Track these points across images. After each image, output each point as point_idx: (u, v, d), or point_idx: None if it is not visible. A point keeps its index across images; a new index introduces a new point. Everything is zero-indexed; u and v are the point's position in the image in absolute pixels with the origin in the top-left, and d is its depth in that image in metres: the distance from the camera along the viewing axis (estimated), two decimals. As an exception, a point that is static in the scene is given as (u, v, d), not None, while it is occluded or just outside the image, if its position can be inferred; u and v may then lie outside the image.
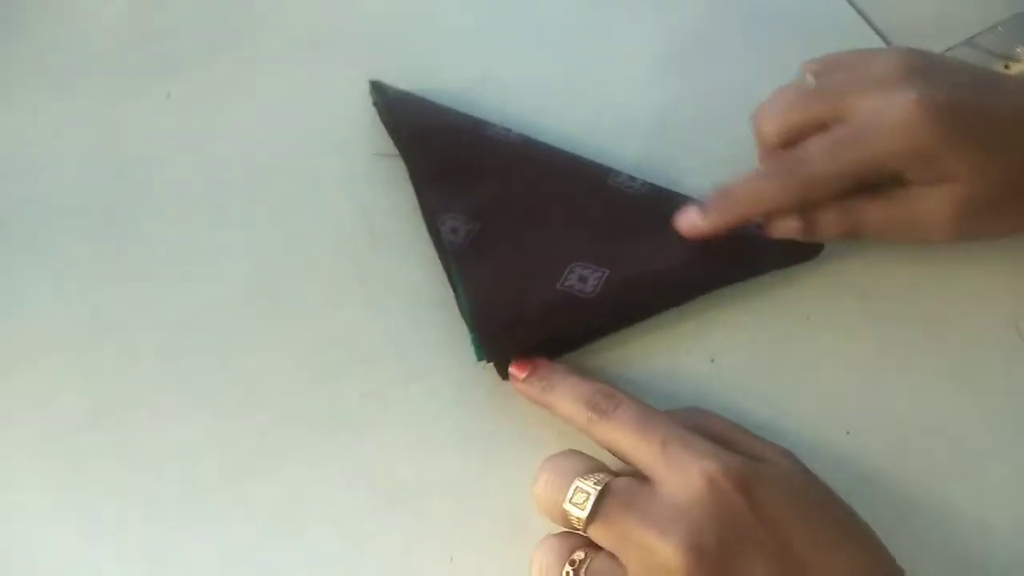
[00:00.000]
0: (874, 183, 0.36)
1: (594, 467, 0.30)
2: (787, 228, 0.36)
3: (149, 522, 0.33)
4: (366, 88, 0.42)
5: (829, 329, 0.38)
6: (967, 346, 0.38)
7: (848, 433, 0.35)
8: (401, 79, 0.42)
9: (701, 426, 0.32)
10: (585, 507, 0.28)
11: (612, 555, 0.28)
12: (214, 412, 0.35)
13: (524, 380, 0.34)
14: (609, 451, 0.31)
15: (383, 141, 0.41)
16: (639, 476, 0.30)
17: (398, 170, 0.40)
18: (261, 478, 0.34)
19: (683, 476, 0.28)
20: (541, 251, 0.37)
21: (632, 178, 0.39)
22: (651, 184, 0.39)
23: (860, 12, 0.48)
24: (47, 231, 0.39)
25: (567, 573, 0.28)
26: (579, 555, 0.29)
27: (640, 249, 0.37)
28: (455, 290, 0.37)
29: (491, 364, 0.35)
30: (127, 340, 0.37)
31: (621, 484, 0.29)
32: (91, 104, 0.42)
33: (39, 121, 0.42)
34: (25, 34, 0.45)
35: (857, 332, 0.38)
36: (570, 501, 0.28)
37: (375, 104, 0.41)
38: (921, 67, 0.35)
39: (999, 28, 0.48)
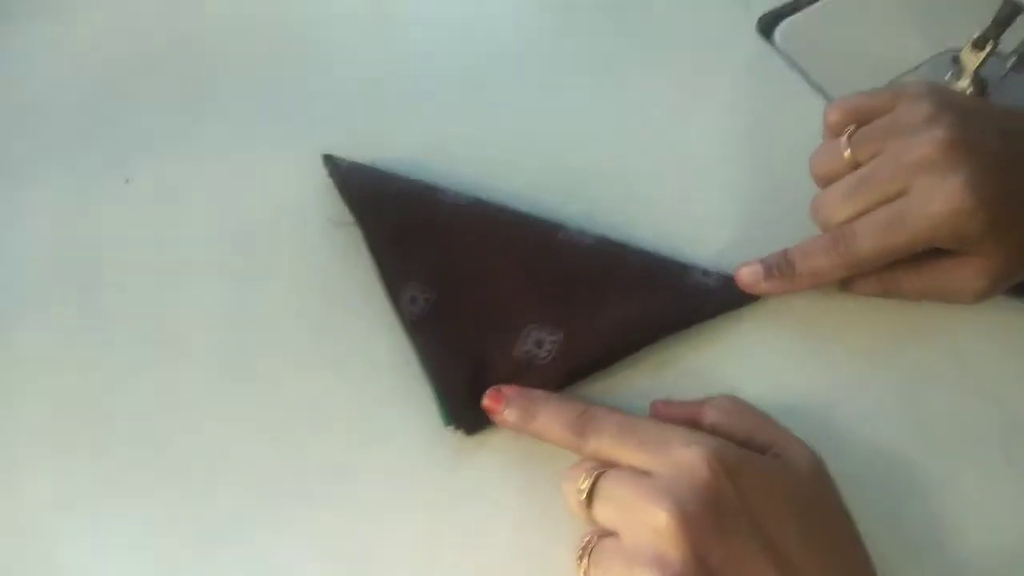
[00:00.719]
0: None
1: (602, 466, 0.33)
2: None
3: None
4: (319, 161, 0.43)
5: (771, 363, 0.39)
6: (910, 373, 0.39)
7: (800, 467, 0.37)
8: (352, 151, 0.43)
9: (719, 425, 0.35)
10: (585, 487, 0.32)
11: (613, 534, 0.31)
12: (182, 487, 0.36)
13: (503, 412, 0.36)
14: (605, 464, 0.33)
15: (339, 210, 0.42)
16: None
17: (354, 239, 0.42)
18: (231, 550, 0.35)
19: (671, 460, 0.30)
20: (496, 316, 0.38)
21: (582, 231, 0.41)
22: (600, 236, 0.41)
23: (789, 59, 0.50)
24: (10, 319, 0.40)
25: (580, 558, 0.32)
26: (587, 539, 0.32)
27: (592, 305, 0.38)
28: (417, 354, 0.38)
29: (456, 428, 0.37)
30: (95, 423, 0.37)
31: (618, 469, 0.32)
32: (50, 192, 0.43)
33: (-1, 213, 0.43)
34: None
35: (799, 365, 0.39)
36: (577, 487, 0.32)
37: (329, 176, 0.43)
38: (964, 140, 0.35)
39: (922, 68, 0.50)
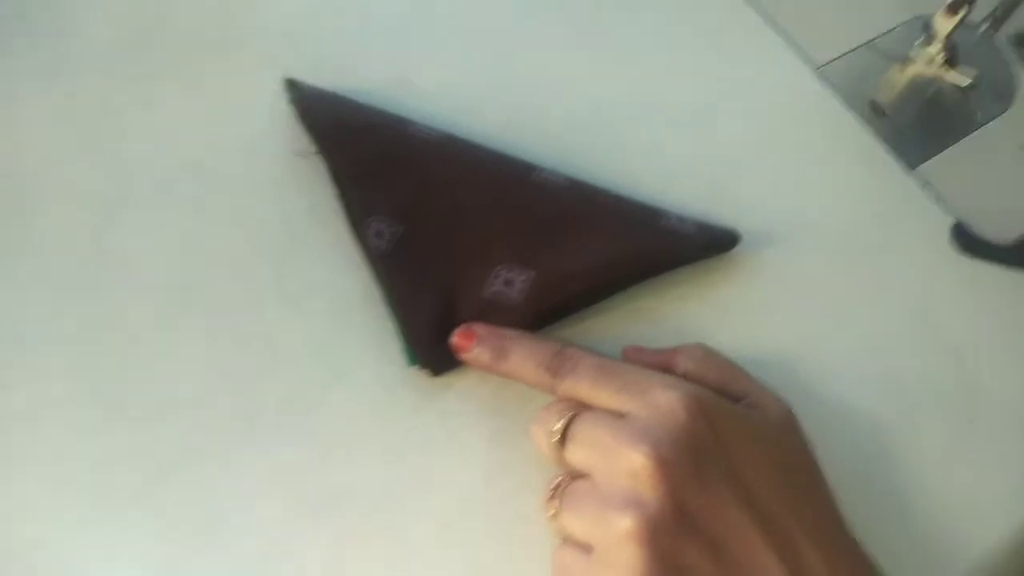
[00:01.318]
0: None
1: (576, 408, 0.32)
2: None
3: (66, 539, 0.31)
4: (281, 88, 0.41)
5: (746, 318, 0.39)
6: (876, 328, 0.39)
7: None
8: (317, 79, 0.41)
9: (692, 373, 0.34)
10: (558, 428, 0.31)
11: (585, 476, 0.30)
12: (130, 421, 0.34)
13: (473, 351, 0.34)
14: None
15: (300, 140, 0.40)
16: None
17: (316, 169, 0.39)
18: (180, 488, 0.33)
19: (649, 403, 0.29)
20: (466, 254, 0.37)
21: (556, 173, 0.39)
22: (572, 178, 0.39)
23: (767, 15, 0.50)
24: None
25: (549, 499, 0.31)
26: (557, 480, 0.31)
27: (565, 245, 0.37)
28: (381, 290, 0.37)
29: (421, 368, 0.35)
30: (36, 351, 0.35)
31: (592, 411, 0.31)
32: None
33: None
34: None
35: (771, 320, 0.39)
36: (549, 429, 0.31)
37: (291, 102, 0.40)
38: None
39: (896, 31, 0.50)
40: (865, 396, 0.38)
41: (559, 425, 0.31)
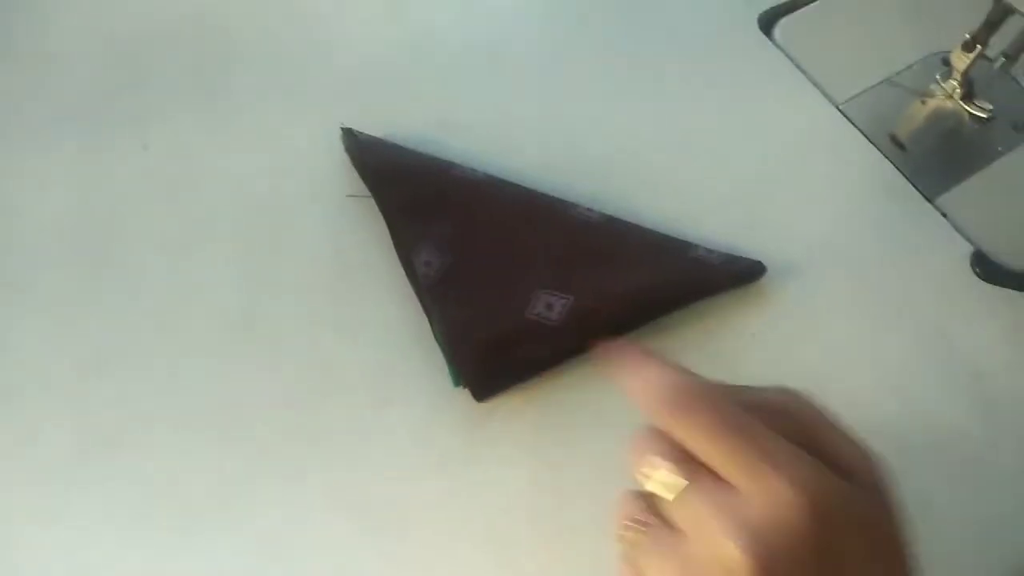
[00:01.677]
0: None
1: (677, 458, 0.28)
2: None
3: (140, 548, 0.34)
4: (337, 134, 0.44)
5: (773, 345, 0.41)
6: (899, 352, 0.41)
7: (797, 438, 0.38)
8: (370, 126, 0.45)
9: (787, 420, 0.29)
10: (673, 490, 0.27)
11: (675, 531, 0.27)
12: (199, 442, 0.37)
13: (604, 360, 0.31)
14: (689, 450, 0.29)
15: (354, 184, 0.43)
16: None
17: (369, 210, 0.43)
18: (247, 505, 0.36)
19: (769, 494, 0.25)
20: (509, 280, 0.39)
21: (590, 209, 0.42)
22: (608, 214, 0.42)
23: (787, 54, 0.52)
24: (31, 276, 0.40)
25: (629, 525, 0.28)
26: (644, 511, 0.28)
27: (601, 275, 0.40)
28: (429, 318, 0.40)
29: (467, 389, 0.38)
30: (113, 376, 0.38)
31: (708, 479, 0.27)
32: (70, 155, 0.44)
33: (19, 171, 0.43)
34: (3, 87, 0.46)
35: (798, 347, 0.41)
36: (654, 477, 0.27)
37: (347, 150, 0.43)
38: None
39: (914, 67, 0.52)
40: (888, 419, 0.39)
41: (668, 480, 0.27)
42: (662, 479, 0.27)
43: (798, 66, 0.52)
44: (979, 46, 0.48)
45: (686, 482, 0.27)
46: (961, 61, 0.49)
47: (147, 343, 0.39)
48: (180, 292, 0.40)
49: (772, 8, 0.55)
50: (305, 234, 0.42)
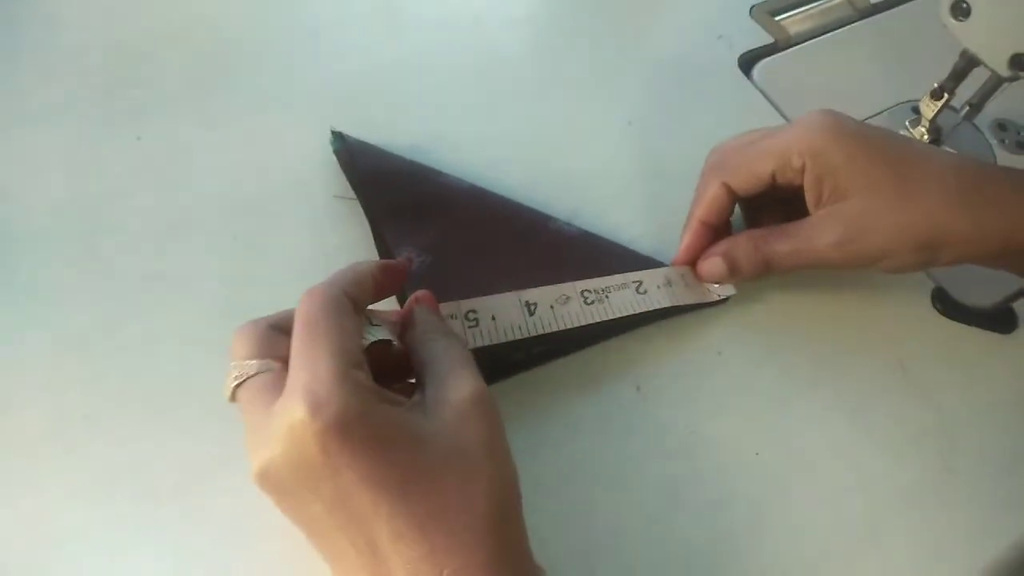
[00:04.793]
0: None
1: (260, 351, 0.30)
2: (714, 268, 0.41)
3: (107, 530, 0.35)
4: (327, 137, 0.45)
5: (738, 364, 0.42)
6: (860, 380, 0.43)
7: (757, 454, 0.40)
8: (361, 134, 0.46)
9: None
10: (228, 391, 0.30)
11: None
12: (172, 428, 0.37)
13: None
14: None
15: (341, 186, 0.45)
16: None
17: (353, 212, 0.44)
18: (213, 489, 0.36)
19: (283, 403, 0.27)
20: (486, 285, 0.40)
21: (569, 224, 0.44)
22: (585, 230, 0.44)
23: (765, 94, 0.54)
24: (19, 255, 0.41)
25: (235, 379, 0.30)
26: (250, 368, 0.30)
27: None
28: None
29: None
30: (90, 358, 0.39)
31: (258, 383, 0.29)
32: (65, 142, 0.45)
33: (14, 156, 0.44)
34: (5, 73, 0.48)
35: (762, 367, 0.42)
36: (226, 376, 0.30)
37: (335, 152, 0.45)
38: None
39: (885, 113, 0.55)
40: (849, 443, 0.41)
41: (227, 379, 0.30)
42: (226, 383, 0.30)
43: (775, 106, 0.54)
44: (946, 95, 0.50)
45: (234, 384, 0.29)
46: (929, 109, 0.51)
47: (126, 327, 0.40)
48: (163, 280, 0.41)
49: (753, 50, 0.57)
50: (290, 232, 0.44)
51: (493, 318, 0.37)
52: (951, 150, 0.52)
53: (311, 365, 0.27)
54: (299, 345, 0.28)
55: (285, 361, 0.29)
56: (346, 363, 0.27)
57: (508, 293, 0.38)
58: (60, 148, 0.45)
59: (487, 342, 0.36)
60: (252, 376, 0.29)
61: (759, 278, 0.42)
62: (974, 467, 0.41)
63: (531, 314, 0.38)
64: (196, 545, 0.35)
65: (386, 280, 0.33)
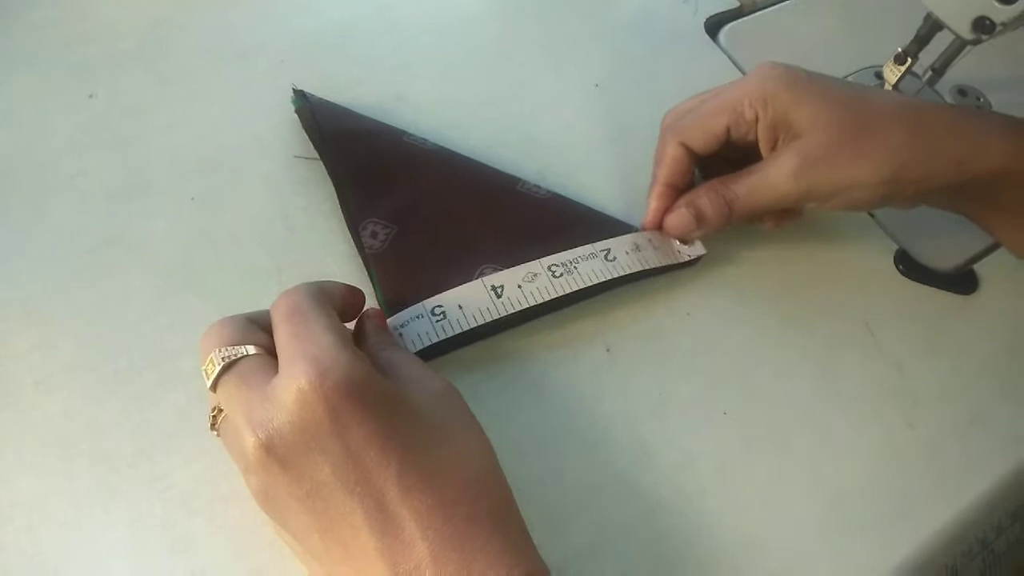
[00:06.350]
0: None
1: (243, 339, 0.30)
2: (680, 220, 0.41)
3: (61, 498, 0.33)
4: (288, 96, 0.44)
5: (707, 324, 0.42)
6: (826, 340, 0.43)
7: (725, 414, 0.40)
8: (321, 91, 0.45)
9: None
10: (209, 378, 0.30)
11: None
12: (128, 393, 0.36)
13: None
14: None
15: (303, 145, 0.43)
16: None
17: (316, 173, 0.43)
18: (170, 456, 0.35)
19: (286, 372, 0.28)
20: (454, 252, 0.40)
21: (537, 186, 0.43)
22: (554, 192, 0.43)
23: (731, 58, 0.54)
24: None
25: (211, 417, 0.31)
26: (219, 404, 0.30)
27: (545, 251, 0.40)
28: (373, 284, 0.40)
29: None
30: (44, 322, 0.37)
31: (246, 365, 0.29)
32: (13, 100, 0.43)
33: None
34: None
35: (730, 327, 0.43)
36: (203, 368, 0.30)
37: (297, 110, 0.43)
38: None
39: (850, 78, 0.55)
40: (815, 401, 0.41)
41: (208, 368, 0.30)
42: (209, 369, 0.30)
43: (741, 70, 0.54)
44: (909, 59, 0.50)
45: (221, 365, 0.29)
46: (892, 74, 0.52)
47: (77, 291, 0.38)
48: (117, 244, 0.40)
49: (719, 13, 0.57)
50: (251, 192, 0.42)
51: (460, 307, 0.37)
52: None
53: (310, 338, 0.28)
54: (290, 328, 0.29)
55: (267, 349, 0.30)
56: (343, 338, 0.29)
57: (473, 281, 0.38)
58: (5, 105, 0.43)
59: (458, 330, 0.36)
60: (243, 357, 0.29)
61: (725, 226, 0.41)
62: (935, 425, 0.41)
63: (498, 296, 0.38)
64: (152, 510, 0.34)
65: (351, 300, 0.34)
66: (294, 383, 0.27)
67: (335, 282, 0.34)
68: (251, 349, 0.30)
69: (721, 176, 0.41)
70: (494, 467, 0.31)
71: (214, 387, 0.30)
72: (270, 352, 0.30)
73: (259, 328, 0.31)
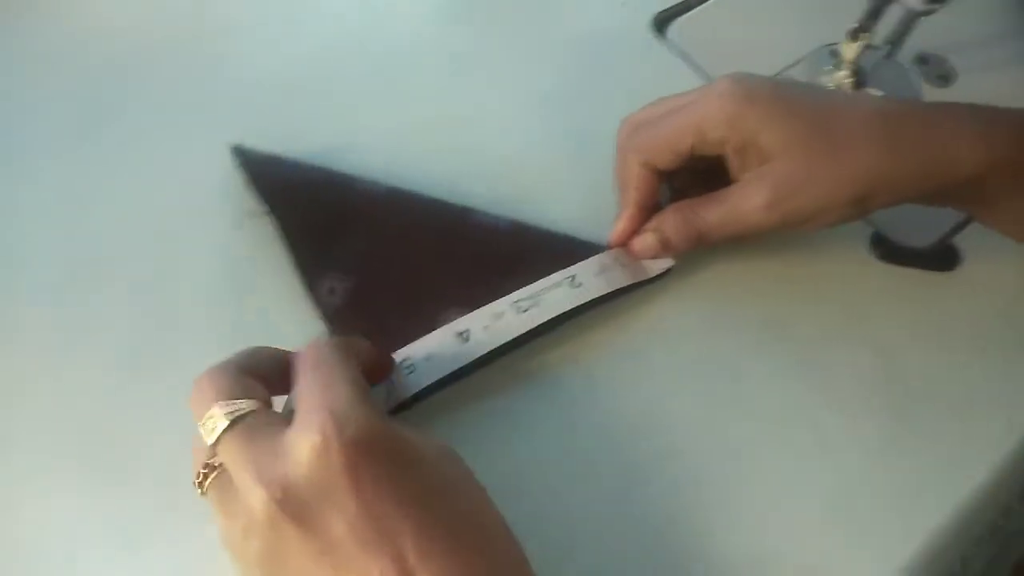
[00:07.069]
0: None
1: (243, 392, 0.29)
2: (646, 245, 0.41)
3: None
4: (229, 154, 0.43)
5: (687, 335, 0.41)
6: (808, 337, 0.42)
7: (715, 424, 0.39)
8: (267, 143, 0.43)
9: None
10: (213, 434, 0.28)
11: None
12: (96, 485, 0.35)
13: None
14: None
15: (250, 202, 0.42)
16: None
17: (267, 229, 0.41)
18: (152, 546, 0.34)
19: (303, 424, 0.27)
20: (416, 301, 0.39)
21: (496, 216, 0.42)
22: (513, 220, 0.42)
23: (683, 54, 0.53)
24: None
25: (201, 475, 0.29)
26: (213, 462, 0.29)
27: (507, 284, 0.39)
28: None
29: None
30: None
31: (253, 420, 0.28)
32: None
33: None
34: None
35: (711, 336, 0.41)
36: (202, 424, 0.28)
37: (238, 167, 0.42)
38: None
39: (805, 60, 0.54)
40: (805, 401, 0.40)
41: (210, 425, 0.28)
42: (210, 424, 0.28)
43: (695, 64, 0.53)
44: (865, 34, 0.49)
45: (227, 422, 0.28)
46: (849, 50, 0.50)
47: (33, 384, 0.37)
48: (68, 325, 0.39)
49: (666, 10, 0.55)
50: (201, 258, 0.41)
51: (427, 359, 0.36)
52: (876, 91, 0.51)
53: (327, 391, 0.28)
54: (310, 379, 0.29)
55: (265, 401, 0.29)
56: (362, 390, 0.29)
57: (438, 330, 0.37)
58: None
59: (428, 382, 0.36)
60: (250, 412, 0.28)
61: (693, 249, 0.41)
62: (930, 410, 0.40)
63: (466, 341, 0.37)
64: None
65: (377, 359, 0.34)
66: (309, 438, 0.26)
67: (363, 340, 0.34)
68: (255, 403, 0.29)
69: (689, 199, 0.40)
70: (503, 522, 0.30)
71: (216, 443, 0.28)
72: (268, 403, 0.30)
73: (252, 376, 0.30)
